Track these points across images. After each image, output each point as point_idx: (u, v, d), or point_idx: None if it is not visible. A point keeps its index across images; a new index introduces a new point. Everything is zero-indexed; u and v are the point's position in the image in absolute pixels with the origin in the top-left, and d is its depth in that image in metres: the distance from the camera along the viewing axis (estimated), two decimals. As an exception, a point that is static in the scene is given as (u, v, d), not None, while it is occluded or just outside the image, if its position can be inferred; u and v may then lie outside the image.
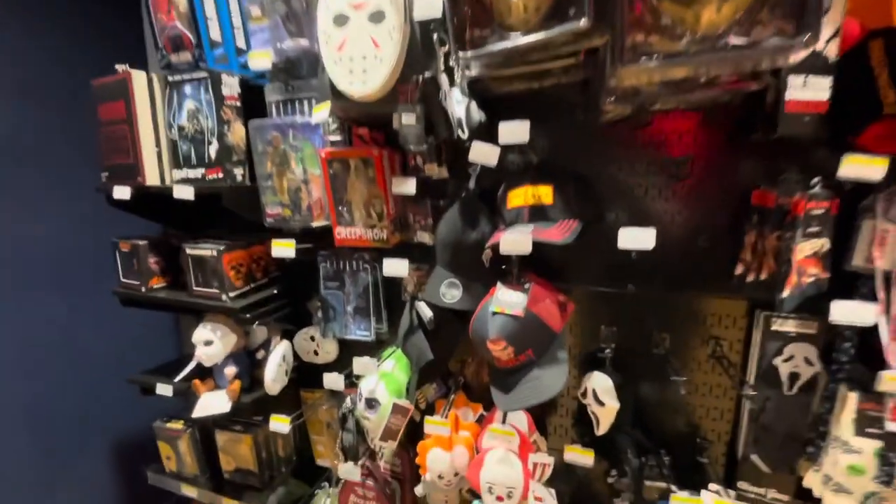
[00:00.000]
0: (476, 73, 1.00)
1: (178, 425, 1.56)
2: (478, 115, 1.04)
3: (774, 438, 1.10)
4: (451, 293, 1.15)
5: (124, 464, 2.02)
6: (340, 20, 0.95)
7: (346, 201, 1.24)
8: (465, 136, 1.03)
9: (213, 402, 1.35)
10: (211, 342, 1.35)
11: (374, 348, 1.43)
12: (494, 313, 1.00)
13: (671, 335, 1.19)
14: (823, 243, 0.93)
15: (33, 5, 1.69)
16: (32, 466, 1.78)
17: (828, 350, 1.03)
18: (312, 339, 1.54)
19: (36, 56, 1.70)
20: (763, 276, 1.03)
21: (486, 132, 1.02)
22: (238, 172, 1.28)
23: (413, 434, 1.38)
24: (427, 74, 0.97)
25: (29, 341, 1.73)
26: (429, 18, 0.91)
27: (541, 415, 1.39)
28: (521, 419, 1.24)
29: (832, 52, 0.83)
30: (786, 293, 0.93)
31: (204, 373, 1.46)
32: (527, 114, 0.98)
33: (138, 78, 1.29)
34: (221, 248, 1.29)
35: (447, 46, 0.94)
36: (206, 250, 1.30)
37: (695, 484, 1.16)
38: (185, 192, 1.25)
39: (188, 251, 1.33)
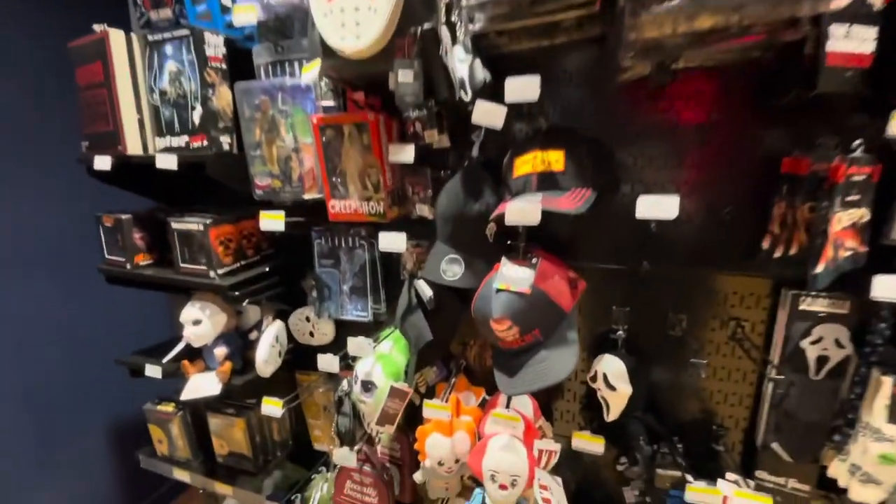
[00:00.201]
0: (480, 27, 0.92)
1: (168, 408, 1.52)
2: (482, 74, 0.96)
3: (798, 426, 1.04)
4: (452, 270, 1.08)
5: (119, 447, 2.00)
6: (330, -36, 0.87)
7: (340, 171, 1.16)
8: (467, 97, 0.95)
9: (202, 385, 1.30)
10: (199, 322, 1.29)
11: (371, 329, 1.37)
12: (499, 290, 0.94)
13: (688, 316, 1.13)
14: (863, 213, 0.85)
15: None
16: (24, 450, 1.76)
17: (859, 332, 0.96)
18: (307, 319, 1.49)
19: (6, 20, 1.62)
20: (792, 251, 0.96)
21: (492, 94, 0.94)
22: (224, 140, 1.20)
23: (413, 418, 1.33)
24: (426, 26, 0.89)
25: (16, 323, 1.69)
26: (428, -39, 0.82)
27: (546, 399, 1.34)
28: (525, 404, 1.19)
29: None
30: (819, 268, 0.86)
31: (195, 354, 1.41)
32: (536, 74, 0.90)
33: (116, 37, 1.21)
34: (208, 221, 1.22)
35: (449, -6, 0.86)
36: (193, 224, 1.24)
37: (709, 473, 1.11)
38: (168, 162, 1.19)
39: (173, 225, 1.26)
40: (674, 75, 0.99)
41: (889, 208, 0.86)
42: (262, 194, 1.22)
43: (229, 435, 1.48)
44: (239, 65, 1.23)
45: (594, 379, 1.10)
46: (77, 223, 1.68)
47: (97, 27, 1.24)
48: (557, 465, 1.11)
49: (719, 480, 1.01)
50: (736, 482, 1.02)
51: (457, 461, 1.12)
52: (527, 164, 0.94)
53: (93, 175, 1.39)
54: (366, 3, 0.87)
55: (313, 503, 1.49)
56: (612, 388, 1.06)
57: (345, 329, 1.45)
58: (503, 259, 0.98)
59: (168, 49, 1.18)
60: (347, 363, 1.31)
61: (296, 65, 1.17)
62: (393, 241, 1.05)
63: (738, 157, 1.02)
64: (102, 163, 1.30)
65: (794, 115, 0.97)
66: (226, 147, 1.21)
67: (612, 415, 1.09)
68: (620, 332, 1.12)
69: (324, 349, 1.41)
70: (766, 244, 0.99)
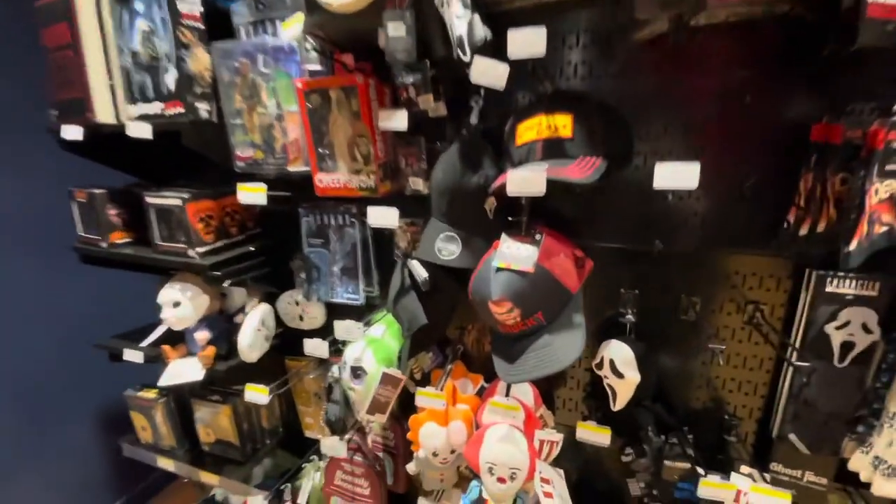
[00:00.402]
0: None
1: (151, 394, 1.47)
2: (482, 31, 0.87)
3: (817, 415, 0.98)
4: (448, 249, 1.01)
5: (105, 435, 1.95)
6: None
7: (327, 142, 1.08)
8: (466, 57, 0.87)
9: (183, 370, 1.24)
10: (179, 304, 1.23)
11: (364, 313, 1.30)
12: (498, 269, 0.87)
13: (702, 299, 1.06)
14: (904, 184, 0.77)
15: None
16: (2, 438, 1.71)
17: (889, 316, 0.89)
18: (297, 303, 1.42)
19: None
20: (820, 228, 0.88)
21: (492, 55, 0.86)
22: (202, 108, 1.12)
23: (407, 406, 1.28)
24: (420, -27, 0.80)
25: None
26: None
27: (548, 387, 1.28)
28: (526, 392, 1.13)
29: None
30: (852, 245, 0.79)
31: (177, 338, 1.35)
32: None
33: (82, -7, 1.11)
34: (186, 196, 1.14)
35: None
36: (170, 199, 1.16)
37: (720, 465, 1.06)
38: (141, 130, 1.10)
39: (149, 200, 1.19)
40: (694, 33, 0.91)
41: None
42: (243, 166, 1.14)
43: (215, 422, 1.42)
44: (217, 25, 1.14)
45: (600, 366, 1.04)
46: (54, 199, 1.59)
47: (63, -18, 1.14)
48: (558, 454, 1.06)
49: (733, 474, 0.95)
50: (750, 475, 0.96)
51: (452, 452, 1.06)
52: (531, 129, 0.86)
53: (64, 147, 1.30)
54: (352, -53, 0.78)
55: (304, 492, 1.44)
56: (619, 375, 1.00)
57: (336, 313, 1.39)
58: (503, 236, 0.91)
59: (139, 5, 1.08)
60: (338, 348, 1.25)
61: (278, 24, 1.08)
62: (384, 217, 0.98)
63: (762, 125, 0.93)
64: (72, 132, 1.22)
65: (826, 76, 0.88)
66: (204, 115, 1.12)
67: (618, 404, 1.02)
68: (629, 317, 1.06)
69: (314, 334, 1.35)
70: (790, 220, 0.92)
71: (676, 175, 0.74)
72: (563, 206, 1.08)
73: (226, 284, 1.17)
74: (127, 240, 1.34)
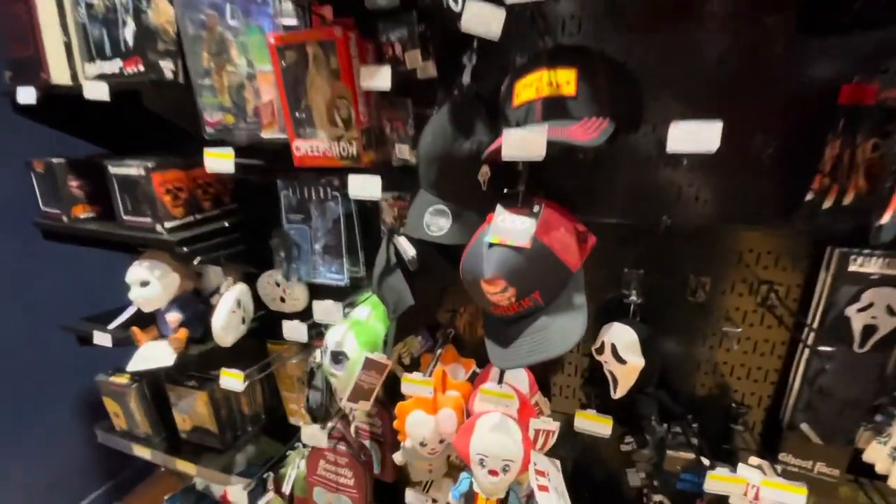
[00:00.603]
0: None
1: (123, 379, 1.39)
2: (475, -26, 0.77)
3: (832, 404, 0.92)
4: (437, 224, 0.92)
5: (80, 423, 1.88)
6: None
7: (304, 105, 0.98)
8: (457, 6, 0.77)
9: (153, 354, 1.16)
10: (147, 283, 1.14)
11: (349, 295, 1.22)
12: (492, 245, 0.78)
13: (712, 280, 0.98)
14: (946, 150, 0.69)
15: None
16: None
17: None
18: (277, 284, 1.33)
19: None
20: (847, 200, 0.80)
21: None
22: (166, 66, 1.01)
23: (396, 391, 1.20)
24: None
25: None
26: None
27: (544, 374, 1.22)
28: (521, 378, 1.06)
29: None
30: (885, 218, 0.71)
31: (148, 320, 1.26)
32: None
33: (28, -65, 1.00)
34: (150, 165, 1.05)
35: None
36: (133, 168, 1.06)
37: (725, 455, 1.00)
38: (97, 91, 1.00)
39: (111, 170, 1.09)
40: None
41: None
42: (213, 133, 1.04)
43: (191, 409, 1.35)
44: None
45: (600, 350, 0.97)
46: (19, 172, 1.49)
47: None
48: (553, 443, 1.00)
49: (741, 466, 0.89)
50: (759, 467, 0.90)
51: (441, 441, 1.00)
52: (530, 87, 0.77)
53: (21, 112, 1.20)
54: None
55: (288, 480, 1.38)
56: (621, 360, 0.93)
57: (319, 294, 1.30)
58: (498, 208, 0.83)
59: (91, -51, 0.97)
60: (320, 331, 1.17)
61: (249, -29, 0.97)
62: (366, 187, 0.89)
63: (783, 85, 0.85)
64: (27, 95, 1.11)
65: (858, 31, 0.79)
66: (168, 75, 1.02)
67: (619, 391, 0.96)
68: (633, 298, 0.98)
69: (297, 317, 1.27)
70: (813, 192, 0.84)
71: (694, 136, 0.65)
72: (564, 177, 0.99)
73: (196, 262, 1.08)
74: (91, 214, 1.24)
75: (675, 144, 0.67)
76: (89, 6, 1.02)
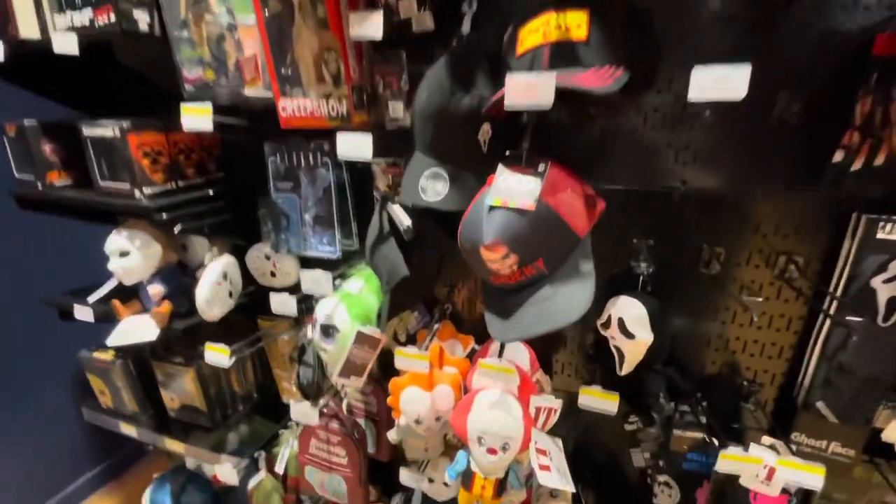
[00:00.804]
0: None
1: (107, 356, 1.34)
2: None
3: (852, 381, 0.87)
4: (434, 188, 0.86)
5: (70, 400, 1.83)
6: None
7: (290, 61, 0.91)
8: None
9: (135, 328, 1.11)
10: (127, 253, 1.08)
11: (342, 269, 1.17)
12: (492, 208, 0.72)
13: (726, 250, 0.93)
14: None
15: None
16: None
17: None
18: (267, 257, 1.27)
19: None
20: (879, 161, 0.75)
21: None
22: (141, 18, 0.94)
23: (390, 368, 1.16)
24: None
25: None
26: None
27: (545, 350, 1.17)
28: (521, 354, 1.01)
29: None
30: (925, 179, 0.65)
31: (131, 294, 1.21)
32: None
33: None
34: (125, 125, 0.98)
35: None
36: (107, 129, 0.99)
37: (735, 435, 0.96)
38: (66, 45, 0.92)
39: (85, 132, 1.02)
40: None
41: None
42: (192, 90, 0.97)
43: (179, 386, 1.31)
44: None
45: (606, 325, 0.92)
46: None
47: None
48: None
49: (753, 445, 0.85)
50: (772, 447, 0.86)
51: (438, 419, 0.95)
52: (536, 32, 0.70)
53: (-11, 72, 1.12)
54: None
55: (282, 459, 1.35)
56: (629, 335, 0.87)
57: (310, 267, 1.25)
58: (500, 167, 0.76)
59: None
60: (311, 305, 1.12)
61: None
62: (357, 147, 0.82)
63: (812, 34, 0.77)
64: (-7, 52, 1.04)
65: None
66: (143, 27, 0.94)
67: (626, 367, 0.91)
68: (643, 270, 0.93)
69: (289, 292, 1.21)
70: (842, 150, 0.77)
71: (719, 82, 0.59)
72: (570, 138, 0.93)
73: (177, 231, 1.02)
74: (67, 182, 1.17)
75: (698, 92, 0.61)
76: (55, -51, 0.94)
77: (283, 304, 1.03)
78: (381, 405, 1.23)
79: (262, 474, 1.31)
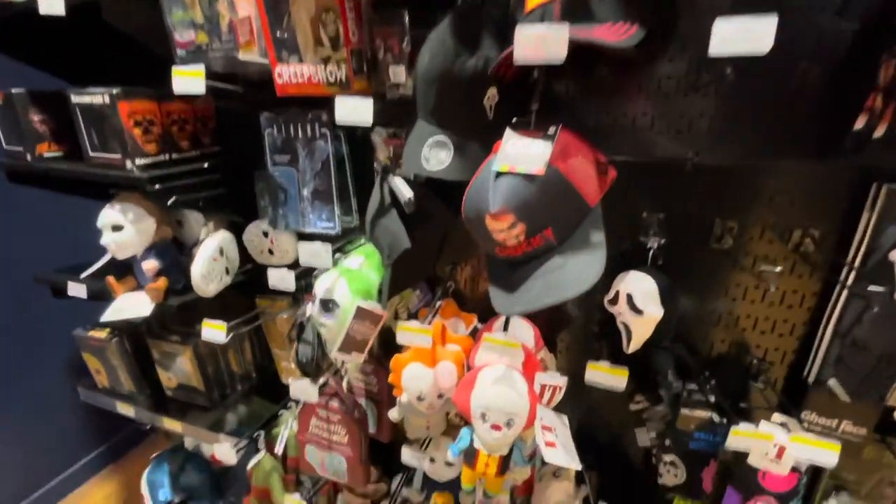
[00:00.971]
0: None
1: (101, 334, 1.32)
2: None
3: (865, 358, 0.85)
4: (437, 157, 0.83)
5: (68, 381, 1.82)
6: None
7: (287, 24, 0.87)
8: None
9: (130, 304, 1.08)
10: (120, 227, 1.05)
11: (342, 246, 1.13)
12: (499, 174, 0.69)
13: (738, 224, 0.90)
14: None
15: None
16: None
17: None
18: (265, 234, 1.24)
19: None
20: (902, 128, 0.71)
21: None
22: (129, -23, 0.89)
23: (391, 347, 1.14)
24: None
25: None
26: None
27: (548, 328, 1.14)
28: (526, 332, 0.99)
29: None
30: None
31: (126, 271, 1.18)
32: None
33: None
34: (116, 92, 0.94)
35: None
36: (97, 97, 0.95)
37: (744, 414, 0.94)
38: (52, 5, 0.88)
39: (74, 99, 0.98)
40: None
41: None
42: (184, 55, 0.93)
43: (176, 365, 1.28)
44: None
45: (614, 301, 0.89)
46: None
47: None
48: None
49: (763, 423, 0.83)
50: (784, 424, 0.84)
51: (440, 396, 0.93)
52: (546, -14, 0.66)
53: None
54: None
55: (281, 440, 1.33)
56: (637, 311, 0.85)
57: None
58: (507, 132, 0.73)
59: None
60: (309, 282, 1.09)
61: None
62: (354, 111, 0.79)
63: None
64: (-25, 16, 0.99)
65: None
66: (133, -13, 0.90)
67: (633, 344, 0.88)
68: (653, 244, 0.90)
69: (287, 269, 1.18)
70: (862, 119, 0.74)
71: (744, 33, 0.55)
72: (578, 104, 0.89)
73: (171, 203, 0.98)
74: (57, 153, 1.14)
75: (720, 45, 0.57)
76: None
77: (281, 279, 1.00)
78: (381, 385, 1.21)
79: (262, 454, 1.29)
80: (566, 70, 0.79)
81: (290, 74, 0.91)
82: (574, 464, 0.83)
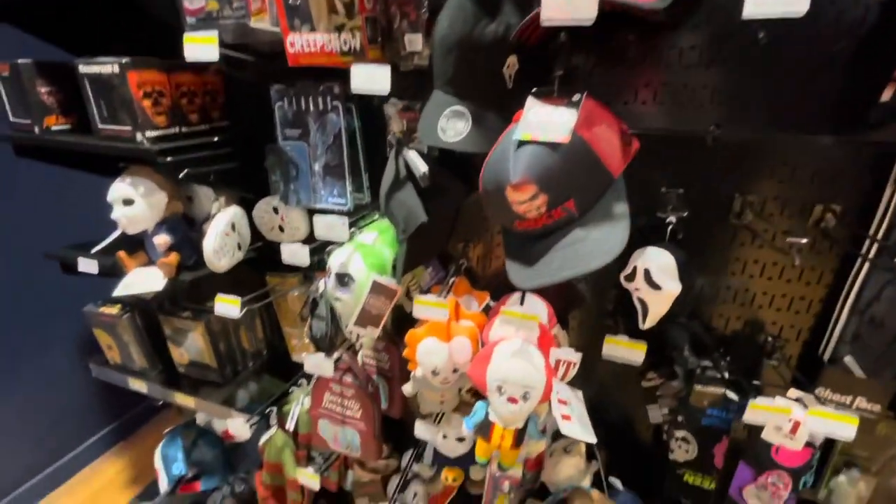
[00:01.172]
0: None
1: (113, 310, 1.31)
2: None
3: (883, 334, 0.84)
4: (454, 127, 0.81)
5: (79, 357, 1.83)
6: None
7: (301, -9, 0.84)
8: None
9: (142, 279, 1.07)
10: (131, 201, 1.04)
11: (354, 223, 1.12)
12: (521, 143, 0.67)
13: (757, 199, 0.88)
14: None
15: None
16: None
17: None
18: (275, 210, 1.22)
19: None
20: (936, 97, 0.69)
21: None
22: (137, -59, 0.86)
23: (403, 326, 1.13)
24: None
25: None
26: None
27: (561, 306, 1.13)
28: (539, 308, 0.98)
29: None
30: None
31: (137, 246, 1.17)
32: None
33: None
34: (125, 61, 0.91)
35: None
36: (106, 66, 0.93)
37: (757, 391, 0.94)
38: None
39: (82, 69, 0.96)
40: None
41: None
42: (194, 22, 0.90)
43: (188, 342, 1.28)
44: None
45: (631, 277, 0.87)
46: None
47: None
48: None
49: (778, 398, 0.83)
50: (799, 400, 0.83)
51: (454, 371, 0.93)
52: (574, -54, 0.63)
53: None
54: None
55: (292, 417, 1.34)
56: (655, 286, 0.83)
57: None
58: (529, 100, 0.71)
59: None
60: (321, 258, 1.08)
61: None
62: (371, 79, 0.76)
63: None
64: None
65: None
66: (140, -49, 0.86)
67: (649, 321, 0.87)
68: (671, 219, 0.88)
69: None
70: (890, 91, 0.72)
71: (783, -6, 0.52)
72: (598, 75, 0.87)
73: (182, 176, 0.97)
74: (65, 126, 1.12)
75: (754, 7, 0.55)
76: None
77: (294, 254, 0.99)
78: (393, 362, 1.21)
79: (274, 430, 1.30)
80: (586, 40, 0.77)
81: (303, 43, 0.88)
82: (589, 437, 0.83)
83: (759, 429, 0.85)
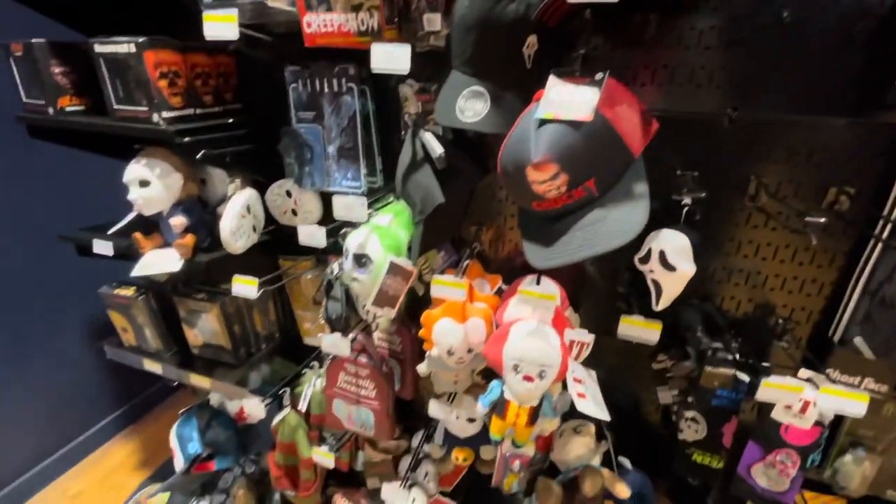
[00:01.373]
0: None
1: (128, 292, 1.32)
2: None
3: (894, 315, 0.84)
4: (473, 107, 0.81)
5: (93, 339, 1.84)
6: None
7: (318, -31, 0.83)
8: None
9: (158, 260, 1.08)
10: (148, 182, 1.03)
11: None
12: (542, 122, 0.67)
13: (773, 181, 0.88)
14: None
15: None
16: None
17: None
18: (289, 194, 1.22)
19: None
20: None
21: None
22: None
23: (416, 311, 1.14)
24: None
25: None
26: None
27: (573, 288, 1.14)
28: (552, 290, 0.98)
29: None
30: None
31: (152, 228, 1.17)
32: None
33: None
34: (141, 41, 0.91)
35: None
36: (122, 46, 0.92)
37: (767, 372, 0.95)
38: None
39: (98, 49, 0.95)
40: None
41: None
42: (210, 2, 0.89)
43: (203, 324, 1.29)
44: None
45: (646, 259, 0.88)
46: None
47: None
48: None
49: (789, 377, 0.84)
50: (809, 380, 0.84)
51: (469, 351, 0.94)
52: (599, -79, 0.62)
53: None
54: None
55: (304, 399, 1.35)
56: (670, 268, 0.84)
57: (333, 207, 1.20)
58: (550, 79, 0.71)
59: None
60: (336, 241, 1.08)
61: None
62: (390, 58, 0.76)
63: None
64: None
65: None
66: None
67: (662, 302, 0.88)
68: (687, 201, 0.88)
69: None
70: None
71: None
72: (614, 60, 0.86)
73: (199, 157, 0.97)
74: (80, 107, 1.11)
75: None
76: None
77: (311, 235, 0.99)
78: (405, 344, 1.22)
79: (287, 410, 1.32)
80: (606, 21, 0.77)
81: (320, 23, 0.87)
82: (604, 414, 0.84)
83: (769, 408, 0.87)
